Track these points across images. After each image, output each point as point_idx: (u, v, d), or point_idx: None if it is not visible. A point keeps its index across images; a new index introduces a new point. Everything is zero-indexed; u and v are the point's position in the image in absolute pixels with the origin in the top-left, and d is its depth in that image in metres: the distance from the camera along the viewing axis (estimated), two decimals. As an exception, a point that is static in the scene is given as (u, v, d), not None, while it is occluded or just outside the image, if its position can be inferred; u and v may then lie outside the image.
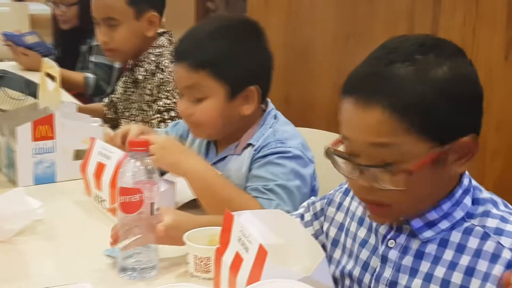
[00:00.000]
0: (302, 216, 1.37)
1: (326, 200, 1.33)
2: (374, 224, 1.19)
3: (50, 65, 1.86)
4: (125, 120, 2.43)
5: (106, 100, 2.62)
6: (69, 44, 3.40)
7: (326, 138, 1.95)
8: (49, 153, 1.83)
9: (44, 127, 1.80)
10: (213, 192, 1.53)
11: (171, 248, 1.38)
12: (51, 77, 1.89)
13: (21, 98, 1.95)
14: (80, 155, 1.83)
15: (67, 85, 2.86)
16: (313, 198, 1.41)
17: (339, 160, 1.11)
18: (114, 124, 2.49)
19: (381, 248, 1.16)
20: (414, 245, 1.12)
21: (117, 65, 3.11)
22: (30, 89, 2.20)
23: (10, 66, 3.29)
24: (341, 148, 1.11)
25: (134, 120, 2.38)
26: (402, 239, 1.14)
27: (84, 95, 3.16)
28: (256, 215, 1.17)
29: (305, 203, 1.40)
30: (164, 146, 1.55)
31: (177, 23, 2.39)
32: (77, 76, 3.16)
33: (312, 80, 2.69)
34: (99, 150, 1.66)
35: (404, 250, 1.13)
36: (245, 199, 1.52)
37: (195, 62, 1.58)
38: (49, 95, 1.86)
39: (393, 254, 1.14)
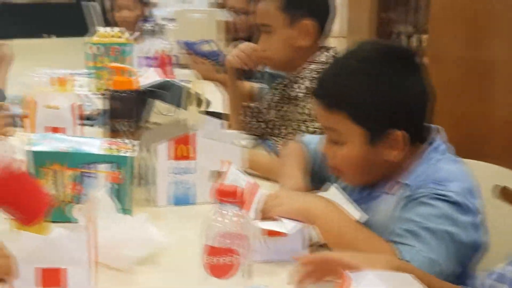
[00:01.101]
0: None
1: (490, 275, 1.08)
2: None
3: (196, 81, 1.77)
4: (282, 138, 2.27)
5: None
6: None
7: (500, 175, 1.67)
8: (189, 174, 1.74)
9: (184, 146, 1.71)
10: (345, 239, 1.34)
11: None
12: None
13: (169, 114, 1.87)
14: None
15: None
16: None
17: None
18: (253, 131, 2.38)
19: None
20: None
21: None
22: (186, 102, 2.13)
23: (186, 75, 3.30)
24: None
25: (291, 139, 2.22)
26: None
27: None
28: (381, 277, 1.00)
29: None
30: (285, 193, 1.46)
31: (348, 38, 2.20)
32: (245, 86, 3.09)
33: (492, 101, 2.38)
34: (233, 177, 1.53)
35: None
36: (380, 245, 1.31)
37: (330, 102, 1.42)
38: (194, 112, 1.77)
39: None
